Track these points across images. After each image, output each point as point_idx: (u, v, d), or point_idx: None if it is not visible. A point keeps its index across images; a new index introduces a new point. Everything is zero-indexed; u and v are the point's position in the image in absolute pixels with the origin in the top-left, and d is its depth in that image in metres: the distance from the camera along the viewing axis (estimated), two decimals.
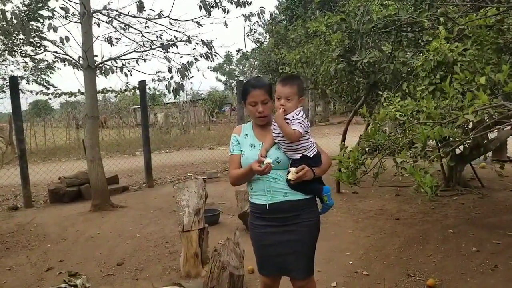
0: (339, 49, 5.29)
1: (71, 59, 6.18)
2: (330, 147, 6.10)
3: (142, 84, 8.00)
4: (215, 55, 6.59)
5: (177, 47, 6.65)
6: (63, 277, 3.71)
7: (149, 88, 39.77)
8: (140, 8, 6.22)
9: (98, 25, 6.34)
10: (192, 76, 11.34)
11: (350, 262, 3.86)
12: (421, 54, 3.75)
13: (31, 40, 12.47)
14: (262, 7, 6.70)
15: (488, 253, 3.87)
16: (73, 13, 5.78)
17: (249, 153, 2.28)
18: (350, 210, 5.60)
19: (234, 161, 2.34)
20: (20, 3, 14.61)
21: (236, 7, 6.62)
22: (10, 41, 12.48)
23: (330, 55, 5.64)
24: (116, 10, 6.26)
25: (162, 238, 4.73)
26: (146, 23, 6.46)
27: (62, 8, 5.44)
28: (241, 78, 46.02)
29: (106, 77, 6.30)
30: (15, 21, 5.11)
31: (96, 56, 6.15)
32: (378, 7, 4.70)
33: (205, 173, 9.00)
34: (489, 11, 3.30)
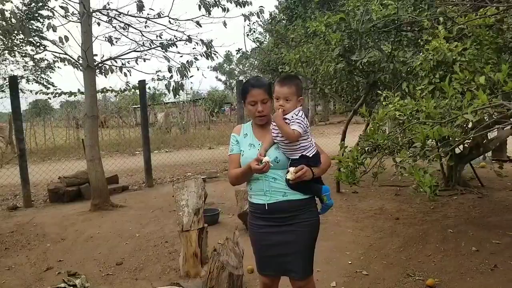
0: (338, 49, 5.29)
1: (71, 58, 6.18)
2: (330, 147, 6.11)
3: (142, 83, 7.99)
4: (214, 54, 6.59)
5: (176, 47, 6.65)
6: (62, 276, 3.71)
7: (149, 88, 39.79)
8: (140, 7, 6.21)
9: (98, 24, 6.34)
10: (192, 76, 11.35)
11: (350, 262, 3.86)
12: (421, 54, 3.75)
13: (31, 39, 12.47)
14: (262, 7, 6.70)
15: (487, 253, 3.87)
16: (72, 12, 5.78)
17: (249, 153, 2.28)
18: (350, 210, 5.60)
19: (234, 160, 2.34)
20: (20, 2, 14.63)
21: (236, 6, 6.61)
22: (10, 41, 12.48)
23: (330, 55, 5.64)
24: (116, 10, 6.26)
25: (161, 238, 4.73)
26: (146, 22, 6.46)
27: (61, 7, 5.43)
28: (241, 78, 45.94)
29: (106, 76, 6.30)
30: (14, 21, 5.10)
31: (96, 55, 6.15)
32: (377, 7, 4.70)
33: (205, 172, 9.00)
34: (489, 10, 3.30)
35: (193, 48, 6.62)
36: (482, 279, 3.39)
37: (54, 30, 5.37)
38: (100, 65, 6.25)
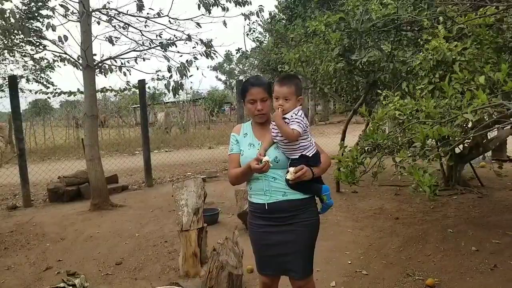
0: (338, 48, 5.29)
1: (70, 58, 6.18)
2: (329, 146, 6.11)
3: (142, 83, 7.98)
4: (214, 54, 6.58)
5: (176, 46, 6.64)
6: (62, 276, 3.70)
7: (149, 87, 39.77)
8: (140, 7, 6.21)
9: (98, 23, 6.34)
10: (192, 75, 11.35)
11: (349, 262, 3.86)
12: (420, 53, 3.74)
13: (30, 39, 12.45)
14: (261, 6, 6.70)
15: (487, 252, 3.87)
16: (72, 11, 5.77)
17: (248, 152, 2.28)
18: (350, 210, 5.60)
19: (234, 160, 2.34)
20: (20, 2, 14.61)
21: (236, 5, 6.61)
22: (10, 40, 12.47)
23: (330, 54, 5.64)
24: (115, 9, 6.26)
25: (161, 238, 4.73)
26: (145, 22, 6.46)
27: (61, 5, 5.42)
28: (241, 77, 45.96)
29: (105, 76, 6.30)
30: (13, 20, 5.09)
31: (96, 55, 6.15)
32: (377, 6, 4.69)
33: (205, 172, 8.99)
34: (489, 10, 3.29)
35: (193, 48, 6.63)
36: (482, 278, 3.38)
37: (54, 30, 5.36)
38: (99, 64, 6.24)
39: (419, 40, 4.72)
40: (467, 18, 3.39)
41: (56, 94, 8.81)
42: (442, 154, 3.23)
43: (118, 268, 3.94)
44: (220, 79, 61.66)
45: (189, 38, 6.54)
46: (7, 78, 8.57)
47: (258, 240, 2.34)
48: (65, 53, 6.13)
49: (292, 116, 2.17)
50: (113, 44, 6.53)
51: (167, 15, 6.37)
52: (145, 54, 6.62)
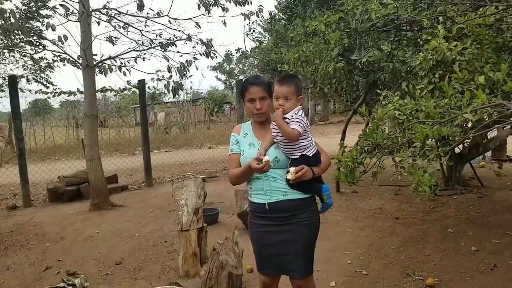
0: (338, 48, 5.29)
1: (70, 58, 6.17)
2: (329, 146, 6.11)
3: (142, 83, 7.98)
4: (214, 54, 6.58)
5: (176, 46, 6.64)
6: (62, 276, 3.70)
7: (149, 87, 39.75)
8: (140, 7, 6.21)
9: (98, 23, 6.33)
10: (191, 75, 11.34)
11: (349, 262, 3.86)
12: (420, 53, 3.74)
13: (30, 39, 12.44)
14: (261, 6, 6.70)
15: (487, 252, 3.87)
16: (72, 11, 5.77)
17: (248, 152, 2.28)
18: (350, 210, 5.60)
19: (234, 160, 2.34)
20: (20, 2, 14.61)
21: (236, 5, 6.61)
22: (10, 40, 12.46)
23: (329, 54, 5.64)
24: (115, 9, 6.25)
25: (161, 238, 4.73)
26: (145, 22, 6.45)
27: (61, 5, 5.42)
28: (241, 77, 45.94)
29: (105, 76, 6.29)
30: (13, 20, 5.09)
31: (96, 55, 6.15)
32: (377, 6, 4.69)
33: (205, 172, 8.99)
34: (488, 10, 3.29)
35: (192, 47, 6.63)
36: (481, 278, 3.38)
37: (53, 30, 5.36)
38: (99, 64, 6.24)
39: (419, 40, 4.73)
40: (467, 18, 3.39)
41: (56, 94, 8.81)
42: (442, 154, 3.23)
43: (118, 268, 3.94)
44: (220, 79, 61.66)
45: (189, 38, 6.53)
46: (7, 78, 8.56)
47: (259, 239, 2.35)
48: (65, 53, 6.13)
49: (292, 116, 2.17)
50: (113, 44, 6.53)
51: (167, 15, 6.37)
52: (145, 54, 6.62)
